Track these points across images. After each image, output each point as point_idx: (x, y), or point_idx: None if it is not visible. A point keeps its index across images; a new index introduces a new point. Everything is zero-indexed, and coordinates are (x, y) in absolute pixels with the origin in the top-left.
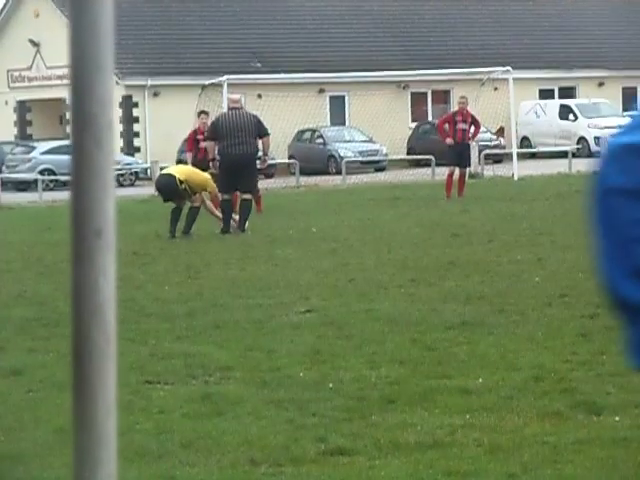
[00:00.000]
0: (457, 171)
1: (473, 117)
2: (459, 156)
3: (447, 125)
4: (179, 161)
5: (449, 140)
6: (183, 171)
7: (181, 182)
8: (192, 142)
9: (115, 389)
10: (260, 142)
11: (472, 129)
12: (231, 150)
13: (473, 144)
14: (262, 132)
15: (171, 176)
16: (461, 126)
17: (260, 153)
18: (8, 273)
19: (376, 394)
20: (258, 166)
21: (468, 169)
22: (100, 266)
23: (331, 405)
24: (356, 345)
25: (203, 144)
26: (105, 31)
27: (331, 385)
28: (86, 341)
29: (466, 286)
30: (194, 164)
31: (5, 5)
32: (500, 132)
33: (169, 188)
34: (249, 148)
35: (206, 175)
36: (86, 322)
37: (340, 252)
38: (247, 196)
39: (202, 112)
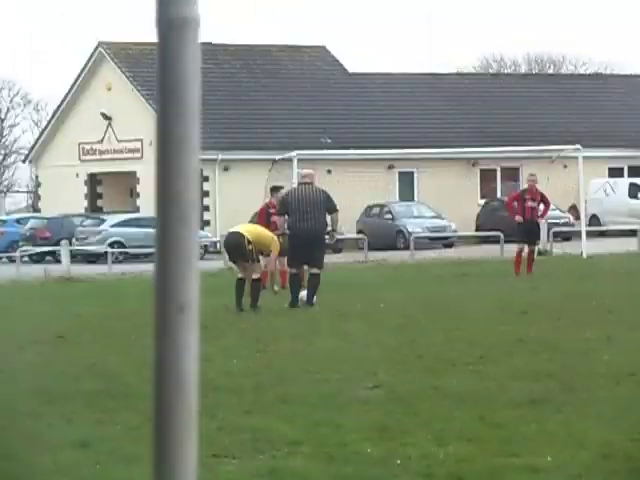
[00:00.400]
0: (526, 248)
1: (542, 195)
2: (528, 233)
3: (516, 203)
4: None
5: (518, 218)
6: (251, 230)
7: (249, 242)
8: (264, 215)
9: (196, 463)
10: (329, 217)
11: (541, 207)
12: (300, 225)
13: (543, 222)
14: (331, 208)
15: (241, 235)
16: (530, 204)
17: (329, 228)
18: (77, 345)
19: (444, 471)
20: (327, 241)
21: (537, 246)
22: (183, 341)
23: None
24: (424, 422)
25: (274, 218)
26: (192, 109)
27: (398, 461)
28: (168, 416)
29: (534, 364)
30: None
31: (78, 78)
32: (573, 210)
33: (237, 247)
34: (318, 223)
35: (273, 235)
36: (168, 397)
37: (408, 328)
38: (316, 270)
39: (275, 188)
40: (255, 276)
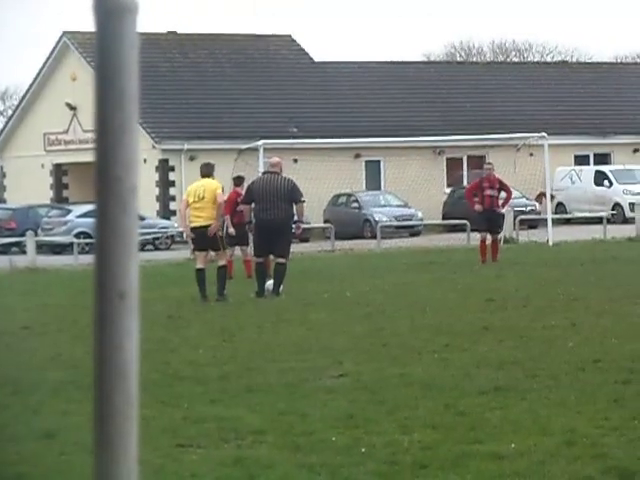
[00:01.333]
0: (489, 237)
1: (501, 182)
2: (489, 222)
3: (476, 192)
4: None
5: (478, 207)
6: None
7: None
8: (232, 204)
9: (137, 451)
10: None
11: (502, 195)
12: (265, 214)
13: (509, 209)
14: (296, 198)
15: (208, 226)
16: (489, 192)
17: (295, 218)
18: (43, 336)
19: (408, 459)
20: (293, 231)
21: (502, 234)
22: (124, 328)
23: (363, 470)
24: (389, 410)
25: (241, 207)
26: (130, 94)
27: (363, 449)
28: (108, 403)
29: (500, 351)
30: (233, 226)
31: (42, 68)
32: (540, 197)
33: (206, 235)
34: (282, 213)
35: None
36: (109, 384)
37: (374, 316)
38: (281, 260)
39: (238, 177)
40: (221, 263)
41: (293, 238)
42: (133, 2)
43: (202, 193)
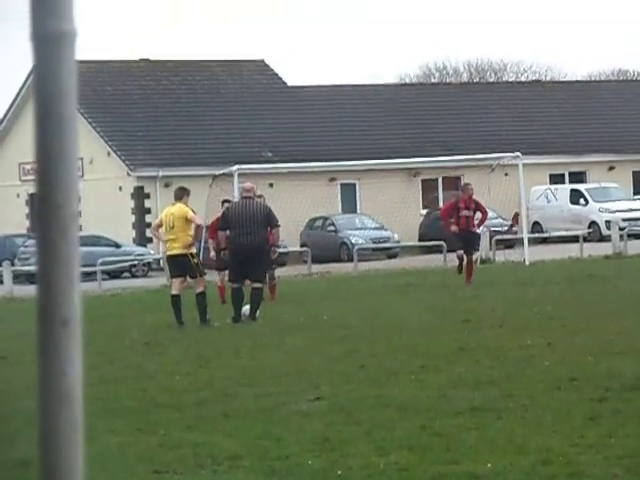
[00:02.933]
0: (465, 258)
1: (477, 203)
2: (465, 242)
3: (451, 213)
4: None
5: (454, 228)
6: (190, 243)
7: (192, 256)
8: (214, 229)
9: (82, 477)
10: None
11: (478, 215)
12: (241, 240)
13: (484, 229)
14: (272, 223)
15: (183, 254)
16: (465, 213)
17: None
18: (19, 365)
19: None
20: (270, 255)
21: (478, 255)
22: (67, 355)
23: None
24: (365, 431)
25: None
26: (69, 124)
27: (340, 472)
28: (53, 430)
29: (476, 371)
30: (217, 251)
31: (16, 98)
32: (516, 218)
33: (183, 264)
34: (258, 238)
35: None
36: (53, 410)
37: (351, 339)
38: (257, 285)
39: (225, 201)
40: (199, 290)
41: (272, 263)
42: (71, 28)
43: (172, 223)
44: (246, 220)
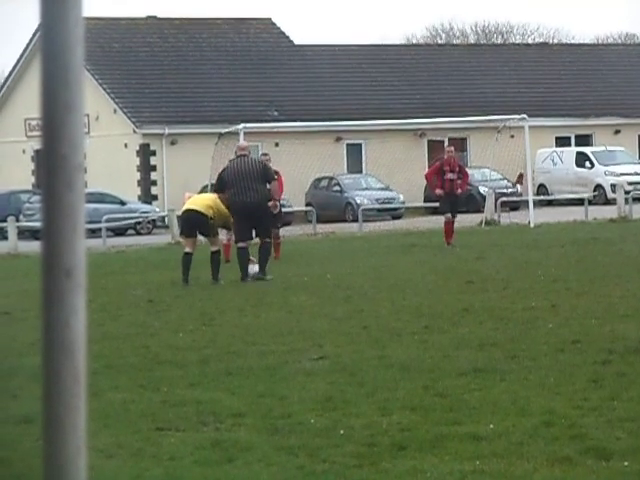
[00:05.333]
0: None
1: (461, 166)
2: (451, 205)
3: (435, 176)
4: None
5: (438, 191)
6: (212, 206)
7: (211, 218)
8: None
9: (85, 428)
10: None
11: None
12: (240, 198)
13: (489, 191)
14: (269, 177)
15: (203, 214)
16: (449, 176)
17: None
18: (23, 322)
19: (387, 440)
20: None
21: (484, 216)
22: (70, 306)
23: (342, 451)
24: (368, 392)
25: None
26: (75, 73)
27: (342, 431)
28: (56, 381)
29: (479, 333)
30: None
31: (23, 53)
32: (520, 179)
33: (200, 224)
34: (258, 194)
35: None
36: (56, 362)
37: (354, 299)
38: (266, 240)
39: (263, 154)
40: (213, 249)
41: (276, 220)
42: None
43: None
44: (243, 178)
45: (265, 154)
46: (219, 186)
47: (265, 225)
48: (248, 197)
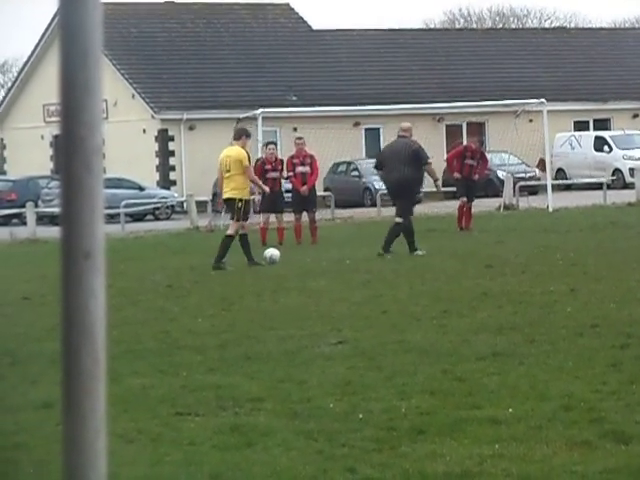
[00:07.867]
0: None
1: (482, 153)
2: (468, 189)
3: (455, 160)
4: (214, 194)
5: (457, 174)
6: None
7: (240, 200)
8: (260, 173)
9: (104, 410)
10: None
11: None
12: (387, 176)
13: (508, 175)
14: (421, 160)
15: (232, 199)
16: (469, 162)
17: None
18: (42, 307)
19: (406, 425)
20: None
21: (503, 200)
22: (89, 288)
23: (361, 436)
24: (387, 376)
25: (270, 174)
26: (93, 56)
27: (361, 416)
28: (75, 363)
29: (498, 317)
30: (262, 194)
31: (42, 38)
32: (541, 164)
33: (229, 204)
34: (398, 175)
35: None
36: (75, 344)
37: (373, 284)
38: (398, 220)
39: (269, 143)
40: (229, 232)
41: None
42: None
43: (228, 166)
44: (393, 158)
45: (299, 137)
46: (377, 163)
47: (399, 205)
48: (392, 177)
